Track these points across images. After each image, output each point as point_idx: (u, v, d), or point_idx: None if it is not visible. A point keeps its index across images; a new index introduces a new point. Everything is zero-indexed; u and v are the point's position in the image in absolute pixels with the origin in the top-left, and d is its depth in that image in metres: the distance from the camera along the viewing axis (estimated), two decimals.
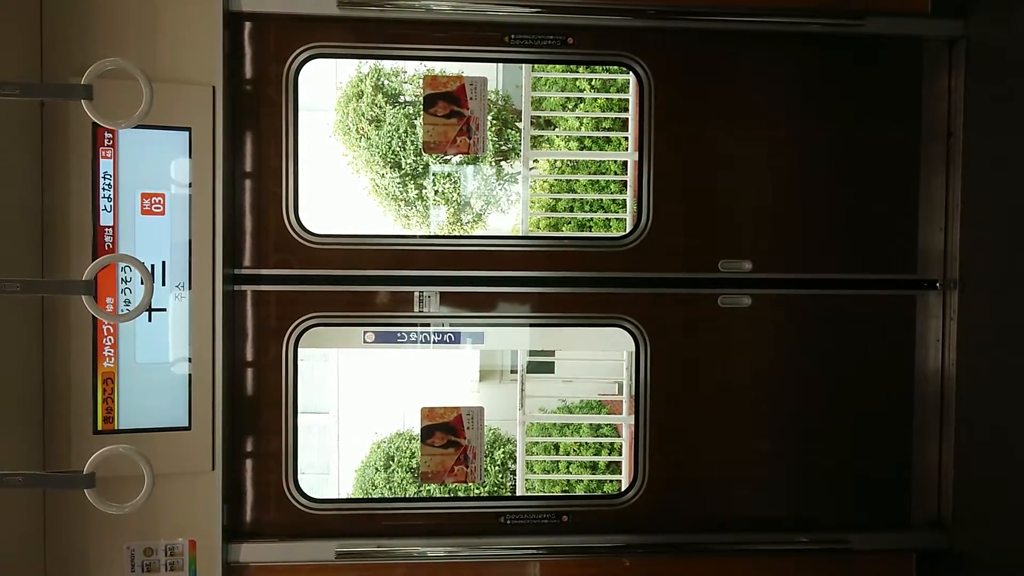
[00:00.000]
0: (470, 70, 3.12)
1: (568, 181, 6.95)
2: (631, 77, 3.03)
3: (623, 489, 3.09)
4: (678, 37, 2.99)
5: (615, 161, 6.88)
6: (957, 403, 2.98)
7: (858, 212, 3.05)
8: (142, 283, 2.26)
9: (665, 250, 3.01)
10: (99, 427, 2.66)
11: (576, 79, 6.68)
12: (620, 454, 6.85)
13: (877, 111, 3.04)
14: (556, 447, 7.00)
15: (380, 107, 7.44)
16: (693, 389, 3.04)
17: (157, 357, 2.73)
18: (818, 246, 3.05)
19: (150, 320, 2.70)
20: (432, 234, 7.53)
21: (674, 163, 3.00)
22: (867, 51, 3.02)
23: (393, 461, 7.46)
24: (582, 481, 6.92)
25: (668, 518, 3.03)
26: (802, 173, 3.05)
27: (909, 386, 3.07)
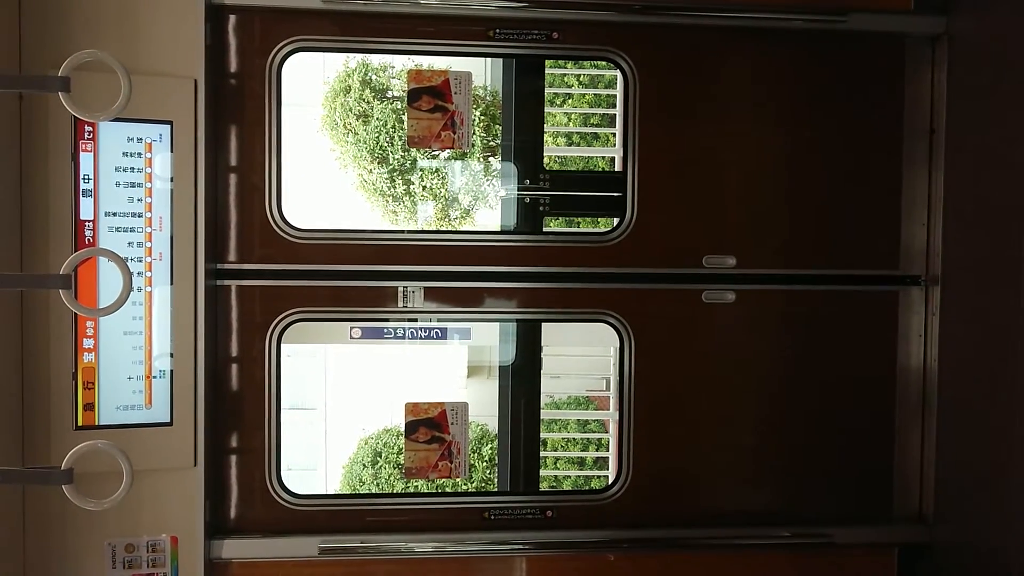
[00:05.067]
0: (458, 65, 3.11)
1: None
2: (617, 72, 3.03)
3: (608, 484, 3.10)
4: (662, 32, 2.99)
5: (603, 157, 6.88)
6: (939, 398, 3.00)
7: (841, 208, 3.07)
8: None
9: (650, 246, 3.01)
10: (80, 423, 2.64)
11: (564, 75, 6.68)
12: (608, 450, 6.88)
13: (860, 107, 3.05)
14: (544, 443, 7.02)
15: (368, 102, 7.41)
16: (677, 384, 3.05)
17: (138, 352, 2.71)
18: (802, 242, 3.06)
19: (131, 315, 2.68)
20: (416, 229, 7.52)
21: (658, 158, 3.00)
22: (850, 48, 3.03)
23: (380, 457, 7.45)
24: (570, 477, 6.93)
25: (652, 513, 3.04)
26: (786, 169, 3.05)
27: (891, 381, 3.09)
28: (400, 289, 2.95)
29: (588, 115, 6.97)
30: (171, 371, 2.72)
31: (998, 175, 2.73)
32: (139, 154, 2.68)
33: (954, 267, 2.96)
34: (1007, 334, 2.65)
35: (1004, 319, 2.66)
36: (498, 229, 3.26)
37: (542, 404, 3.29)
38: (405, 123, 2.97)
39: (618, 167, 3.11)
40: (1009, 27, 2.69)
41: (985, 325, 2.80)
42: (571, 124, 6.80)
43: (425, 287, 2.96)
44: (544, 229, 3.15)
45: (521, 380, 3.23)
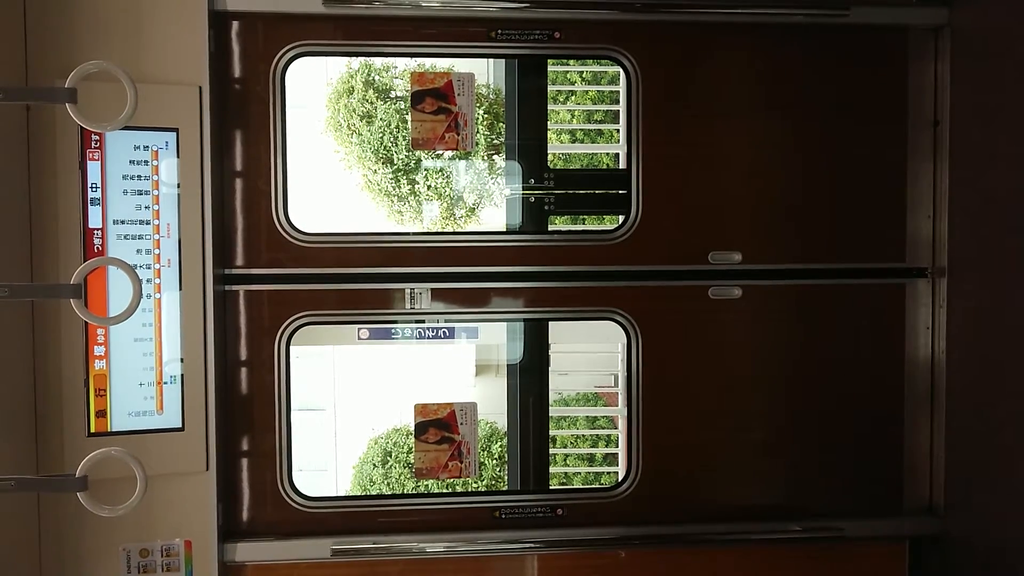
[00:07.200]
0: (461, 65, 3.12)
1: None
2: (620, 70, 3.03)
3: (618, 481, 3.11)
4: (664, 30, 2.99)
5: (607, 154, 6.88)
6: (947, 390, 3.00)
7: (846, 202, 3.06)
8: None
9: (655, 243, 3.01)
10: (92, 430, 2.66)
11: (567, 72, 6.68)
12: (617, 446, 6.88)
13: (863, 100, 3.04)
14: (553, 440, 7.03)
15: (371, 103, 7.42)
16: (685, 380, 3.05)
17: (149, 359, 2.74)
18: (807, 236, 3.06)
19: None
20: (422, 231, 7.53)
21: (663, 155, 3.00)
22: (853, 40, 3.03)
23: (391, 457, 7.47)
24: (580, 473, 6.95)
25: (663, 509, 3.05)
26: (790, 163, 3.05)
27: (900, 373, 3.09)
28: (407, 291, 2.96)
29: (591, 111, 6.97)
30: (182, 376, 2.74)
31: (1003, 166, 2.72)
32: (146, 162, 2.70)
33: (960, 259, 2.95)
34: (1014, 324, 2.64)
35: (1011, 309, 2.66)
36: (504, 229, 3.27)
37: (550, 401, 3.29)
38: (409, 124, 2.98)
39: (622, 163, 3.12)
40: (1011, 17, 2.68)
41: (992, 316, 2.79)
42: (574, 121, 6.80)
43: (432, 288, 2.97)
44: (549, 228, 3.16)
45: (529, 378, 3.23)
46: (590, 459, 7.10)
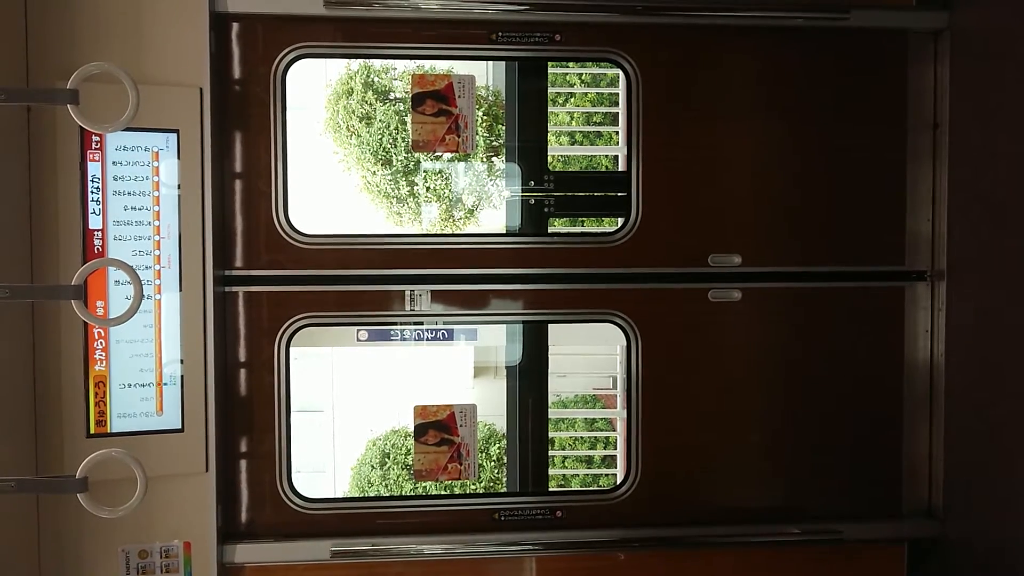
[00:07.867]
0: (461, 67, 3.12)
1: None
2: (620, 72, 3.04)
3: (617, 484, 3.11)
4: (665, 32, 3.00)
5: (607, 156, 6.90)
6: (946, 393, 3.01)
7: (846, 205, 3.07)
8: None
9: (655, 245, 3.02)
10: (92, 431, 2.66)
11: (567, 74, 6.69)
12: (616, 447, 6.89)
13: (863, 103, 3.05)
14: (552, 442, 7.04)
15: (370, 104, 7.42)
16: (685, 383, 3.06)
17: (148, 360, 2.73)
18: (807, 239, 3.07)
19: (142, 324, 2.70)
20: (422, 232, 7.54)
21: (662, 158, 3.00)
22: (853, 44, 3.03)
23: (389, 458, 7.47)
24: (578, 475, 6.95)
25: (662, 512, 3.05)
26: (790, 166, 3.06)
27: (899, 377, 3.09)
28: (407, 292, 2.96)
29: (591, 112, 6.98)
30: (181, 378, 2.74)
31: (1002, 166, 2.73)
32: (146, 163, 2.70)
33: (959, 262, 2.96)
34: (1014, 326, 2.65)
35: (1010, 311, 2.67)
36: (503, 231, 3.27)
37: (549, 403, 3.30)
38: (409, 127, 2.98)
39: (622, 165, 3.12)
40: (1010, 21, 2.69)
41: (991, 319, 2.80)
42: (574, 123, 6.81)
43: (432, 290, 2.97)
44: (549, 230, 3.16)
45: (528, 380, 3.24)
46: (588, 461, 7.10)
